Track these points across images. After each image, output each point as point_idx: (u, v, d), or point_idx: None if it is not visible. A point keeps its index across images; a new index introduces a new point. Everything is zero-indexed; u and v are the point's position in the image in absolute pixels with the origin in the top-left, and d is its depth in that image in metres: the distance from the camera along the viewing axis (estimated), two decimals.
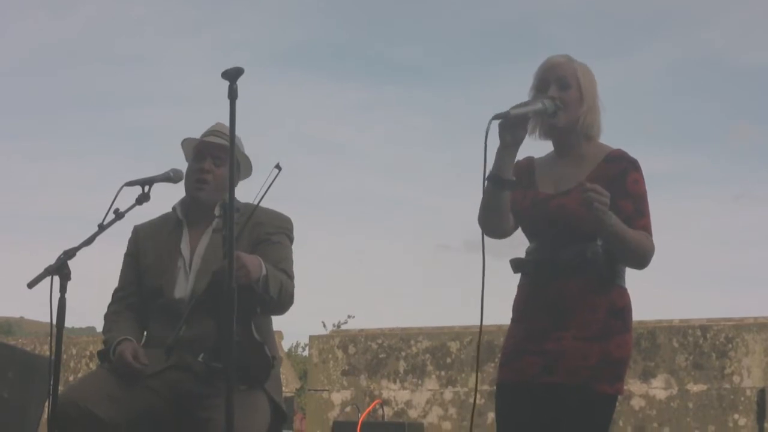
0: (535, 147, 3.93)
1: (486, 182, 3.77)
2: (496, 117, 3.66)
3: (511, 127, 3.70)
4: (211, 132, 4.45)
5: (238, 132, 4.45)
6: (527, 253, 3.87)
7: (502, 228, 3.86)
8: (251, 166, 4.50)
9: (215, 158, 4.40)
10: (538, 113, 3.74)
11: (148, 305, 4.41)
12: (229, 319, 3.59)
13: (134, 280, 4.47)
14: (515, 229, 3.90)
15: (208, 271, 4.16)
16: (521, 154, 3.87)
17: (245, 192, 4.45)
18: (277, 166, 4.00)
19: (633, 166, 3.78)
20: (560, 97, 3.77)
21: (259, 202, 4.10)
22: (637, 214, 3.72)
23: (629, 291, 3.79)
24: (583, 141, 3.84)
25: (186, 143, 4.50)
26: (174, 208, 4.52)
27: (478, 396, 9.40)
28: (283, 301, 4.23)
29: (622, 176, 3.75)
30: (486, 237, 3.81)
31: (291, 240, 4.44)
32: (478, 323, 3.69)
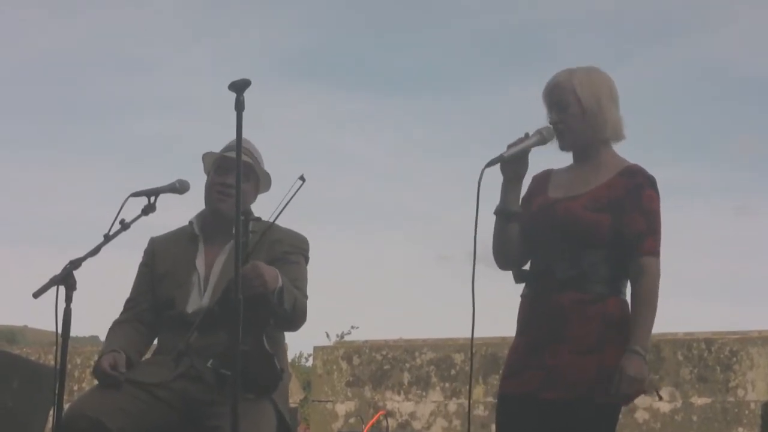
0: (559, 157, 3.97)
1: (495, 217, 3.84)
2: (490, 164, 3.72)
3: (512, 163, 3.77)
4: (233, 147, 4.43)
5: (252, 144, 4.50)
6: (531, 263, 3.88)
7: (513, 260, 3.88)
8: (270, 182, 4.52)
9: None
10: (536, 145, 3.80)
11: (160, 315, 4.41)
12: (236, 328, 3.60)
13: (148, 290, 4.47)
14: (528, 257, 3.90)
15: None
16: (542, 167, 3.95)
17: (264, 205, 4.50)
18: (301, 178, 3.98)
19: (649, 182, 3.78)
20: (561, 120, 3.80)
21: (281, 212, 4.09)
22: (649, 231, 3.72)
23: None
24: (601, 147, 3.84)
25: (207, 157, 4.50)
26: (191, 222, 4.52)
27: (481, 408, 9.40)
28: (296, 317, 4.23)
29: (637, 191, 3.75)
30: (500, 269, 3.87)
31: (307, 260, 4.46)
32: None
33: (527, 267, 3.89)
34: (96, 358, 4.34)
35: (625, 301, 3.76)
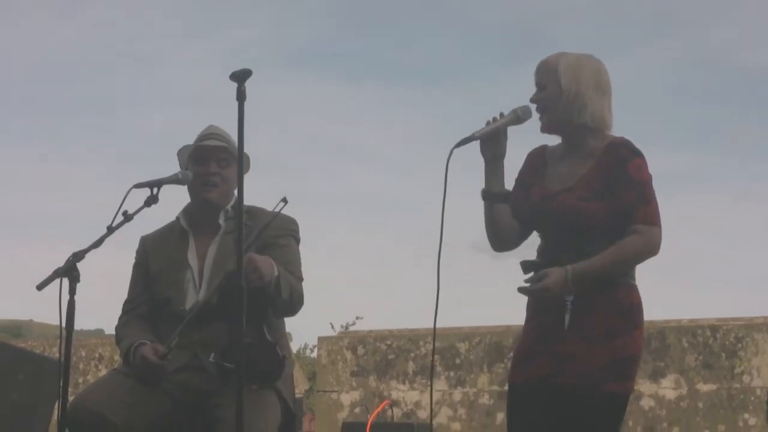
0: (539, 139, 3.97)
1: (482, 200, 3.86)
2: (460, 143, 3.76)
3: (488, 144, 3.80)
4: (207, 136, 4.42)
5: (221, 128, 4.47)
6: (537, 252, 3.88)
7: (507, 241, 3.91)
8: (250, 162, 4.47)
9: (219, 160, 4.38)
10: (510, 124, 3.83)
11: (159, 312, 4.40)
12: (239, 318, 3.60)
13: (144, 290, 4.45)
14: (523, 238, 3.92)
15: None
16: (537, 142, 3.95)
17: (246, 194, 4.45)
18: (284, 200, 4.15)
19: (635, 153, 3.74)
20: (539, 99, 3.81)
21: (264, 228, 4.21)
22: (641, 200, 3.68)
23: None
24: (588, 135, 3.81)
25: (182, 152, 4.48)
26: (178, 218, 4.50)
27: (486, 396, 9.40)
28: (293, 303, 4.24)
29: (622, 164, 3.71)
30: (495, 252, 3.87)
31: (297, 241, 4.44)
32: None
33: (534, 258, 3.87)
34: (100, 350, 4.33)
35: (635, 287, 3.75)
